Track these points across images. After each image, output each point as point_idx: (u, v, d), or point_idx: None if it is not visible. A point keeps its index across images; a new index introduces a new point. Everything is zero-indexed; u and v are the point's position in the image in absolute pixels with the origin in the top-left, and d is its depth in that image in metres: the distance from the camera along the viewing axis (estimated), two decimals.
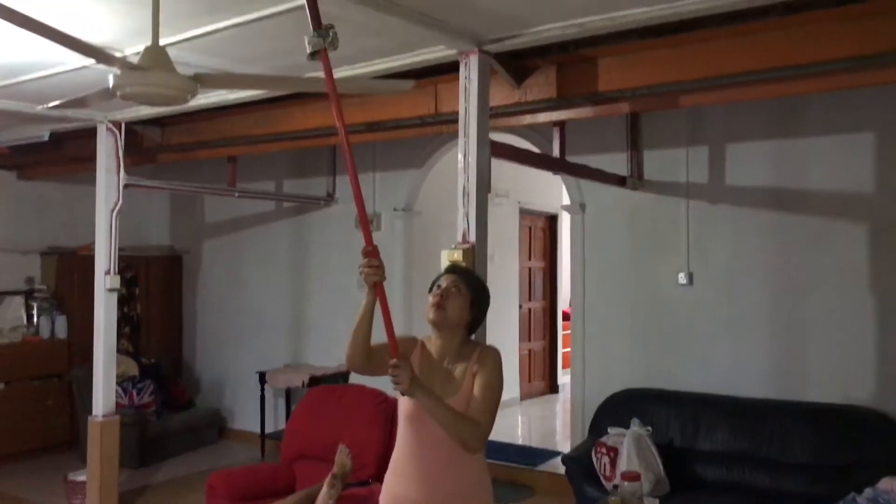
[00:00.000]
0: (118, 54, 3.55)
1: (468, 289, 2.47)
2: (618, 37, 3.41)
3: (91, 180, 5.42)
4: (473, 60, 3.56)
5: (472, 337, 2.55)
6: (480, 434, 2.29)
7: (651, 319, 5.33)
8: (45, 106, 3.29)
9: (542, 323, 9.69)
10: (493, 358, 2.42)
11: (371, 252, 2.20)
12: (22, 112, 4.85)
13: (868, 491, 3.57)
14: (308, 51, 2.16)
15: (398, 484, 2.41)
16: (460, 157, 3.63)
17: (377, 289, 2.22)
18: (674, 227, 5.22)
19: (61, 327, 7.19)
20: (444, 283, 2.47)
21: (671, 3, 2.93)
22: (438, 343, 2.47)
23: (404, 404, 2.40)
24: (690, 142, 5.17)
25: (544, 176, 6.40)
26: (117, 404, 5.56)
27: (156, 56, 2.17)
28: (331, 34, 2.15)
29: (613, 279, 5.51)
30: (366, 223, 2.21)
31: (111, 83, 2.18)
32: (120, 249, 5.37)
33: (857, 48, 3.08)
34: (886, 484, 3.56)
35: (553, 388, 9.70)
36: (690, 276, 5.15)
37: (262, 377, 6.88)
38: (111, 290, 5.27)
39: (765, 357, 4.87)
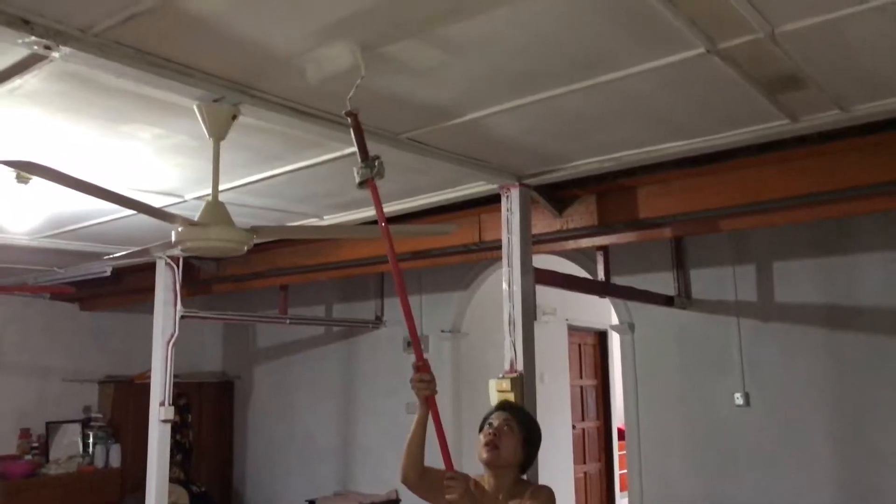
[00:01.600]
0: (179, 200, 3.79)
1: (520, 427, 2.47)
2: (655, 166, 3.50)
3: (146, 309, 5.61)
4: (514, 193, 3.68)
5: (525, 476, 2.53)
6: None
7: (709, 441, 5.16)
8: (110, 256, 3.49)
9: (597, 444, 9.40)
10: (546, 495, 2.41)
11: (422, 367, 2.27)
12: (87, 252, 5.12)
13: None
14: (357, 180, 2.30)
15: None
16: (504, 286, 3.69)
17: (429, 402, 2.27)
18: (726, 346, 5.13)
19: (115, 456, 7.26)
20: (495, 421, 2.47)
21: (705, 137, 3.03)
22: (491, 482, 2.45)
23: None
24: (736, 260, 5.16)
25: None
26: None
27: (215, 212, 2.32)
28: (377, 164, 2.29)
29: (668, 400, 5.38)
30: (416, 338, 2.28)
31: (173, 238, 2.32)
32: (174, 377, 5.48)
33: (893, 173, 3.10)
34: None
35: None
36: (747, 397, 5.01)
37: None
38: (165, 420, 5.34)
39: (832, 482, 4.64)
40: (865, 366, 4.60)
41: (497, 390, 3.49)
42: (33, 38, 1.92)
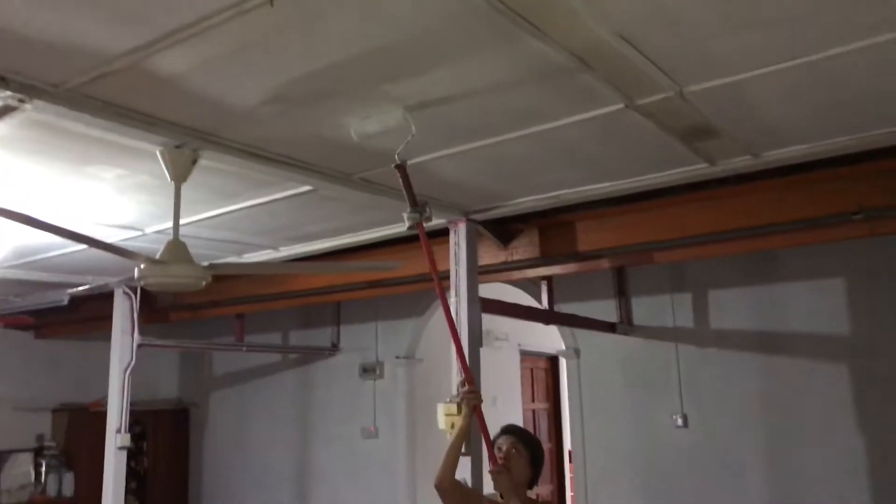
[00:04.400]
0: (139, 233, 3.93)
1: (526, 448, 2.72)
2: (592, 203, 3.76)
3: (102, 337, 5.68)
4: (461, 228, 3.91)
5: (531, 492, 2.77)
6: None
7: (651, 462, 5.41)
8: (71, 291, 3.60)
9: (549, 466, 9.61)
10: None
11: (470, 379, 2.64)
12: (48, 282, 5.19)
13: None
14: (406, 224, 2.55)
15: None
16: (453, 314, 3.88)
17: (477, 411, 2.62)
18: (665, 370, 5.40)
19: (68, 485, 7.24)
20: (504, 445, 2.71)
21: (631, 178, 3.30)
22: (503, 502, 2.68)
23: None
24: (674, 288, 5.46)
25: None
26: None
27: (176, 250, 2.48)
28: (427, 210, 2.53)
29: (612, 422, 5.63)
30: (462, 354, 2.64)
31: (136, 275, 2.48)
32: (130, 405, 5.54)
33: (805, 212, 3.41)
34: None
35: None
36: (685, 419, 5.28)
37: None
38: (121, 447, 5.39)
39: (764, 501, 4.91)
40: (793, 389, 4.91)
41: (445, 414, 3.66)
42: (8, 92, 2.08)
